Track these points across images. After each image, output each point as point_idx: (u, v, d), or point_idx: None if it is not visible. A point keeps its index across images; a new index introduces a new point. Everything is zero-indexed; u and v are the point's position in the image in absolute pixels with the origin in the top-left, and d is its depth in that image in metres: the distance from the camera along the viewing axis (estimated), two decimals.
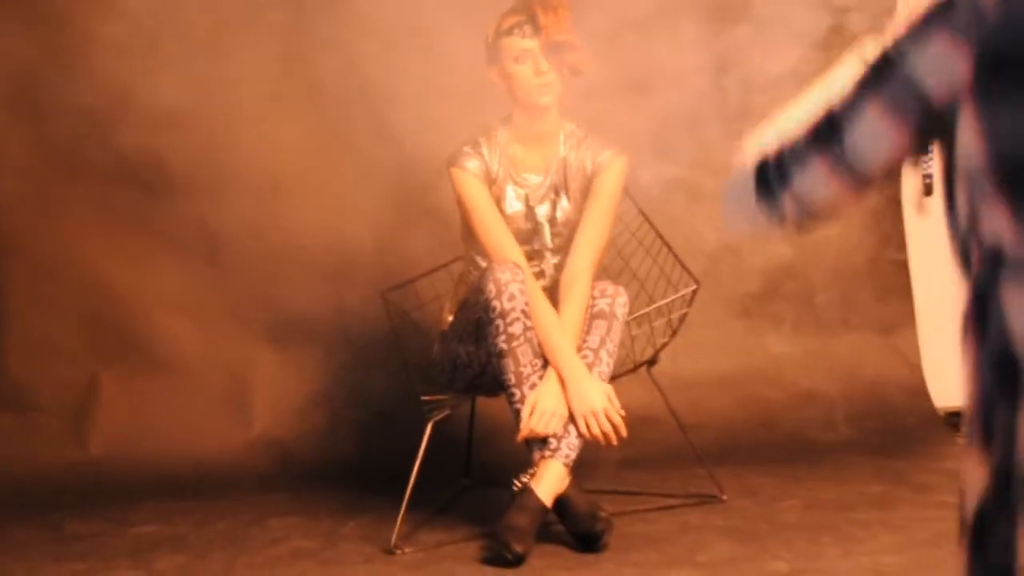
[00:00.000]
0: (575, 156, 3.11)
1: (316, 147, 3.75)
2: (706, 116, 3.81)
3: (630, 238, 3.41)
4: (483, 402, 3.29)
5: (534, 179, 3.10)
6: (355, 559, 2.91)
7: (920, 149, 1.21)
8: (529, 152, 3.11)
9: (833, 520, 3.06)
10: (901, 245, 3.94)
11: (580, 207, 3.10)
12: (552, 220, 3.11)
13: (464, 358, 3.04)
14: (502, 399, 3.00)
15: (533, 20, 3.01)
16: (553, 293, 3.07)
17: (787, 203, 1.28)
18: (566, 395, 2.92)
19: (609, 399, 2.94)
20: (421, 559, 2.89)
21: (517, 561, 2.80)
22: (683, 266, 3.26)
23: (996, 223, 1.12)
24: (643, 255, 3.38)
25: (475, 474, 3.50)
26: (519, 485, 2.92)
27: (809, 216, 1.29)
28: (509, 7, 3.09)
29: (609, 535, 2.91)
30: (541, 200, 3.11)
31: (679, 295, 3.23)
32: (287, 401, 3.76)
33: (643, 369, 3.24)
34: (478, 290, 2.95)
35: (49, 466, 3.57)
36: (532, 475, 2.91)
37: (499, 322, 2.89)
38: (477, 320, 2.96)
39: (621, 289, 3.06)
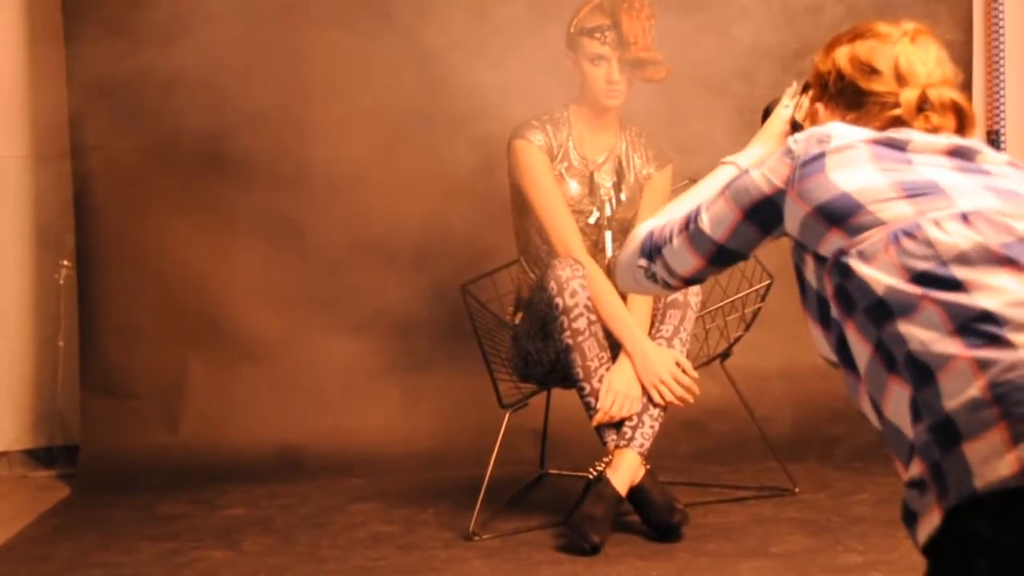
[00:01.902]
0: (633, 148, 3.20)
1: (398, 144, 3.80)
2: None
3: None
4: (558, 392, 3.32)
5: (598, 158, 3.18)
6: (434, 544, 2.98)
7: (749, 232, 1.75)
8: (594, 134, 3.19)
9: None
10: None
11: (634, 202, 3.17)
12: (615, 198, 3.17)
13: (535, 355, 3.08)
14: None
15: (617, 28, 3.06)
16: (613, 268, 3.09)
17: (659, 269, 1.84)
18: (636, 373, 2.97)
19: (676, 363, 2.99)
20: (499, 546, 2.95)
21: (593, 550, 2.84)
22: (757, 260, 3.27)
23: (835, 244, 1.59)
24: None
25: (550, 463, 3.55)
26: (594, 474, 2.96)
27: (674, 280, 1.85)
28: (595, 3, 3.11)
29: (685, 526, 2.94)
30: (604, 178, 3.17)
31: (753, 289, 3.24)
32: (367, 390, 3.81)
33: (716, 362, 3.26)
34: (540, 288, 2.99)
35: (142, 449, 3.65)
36: (607, 464, 2.95)
37: (563, 318, 2.94)
38: (543, 317, 3.00)
39: None
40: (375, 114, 3.77)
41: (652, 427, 2.99)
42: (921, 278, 1.49)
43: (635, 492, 2.95)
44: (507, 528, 3.06)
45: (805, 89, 1.95)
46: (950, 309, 1.45)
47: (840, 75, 1.80)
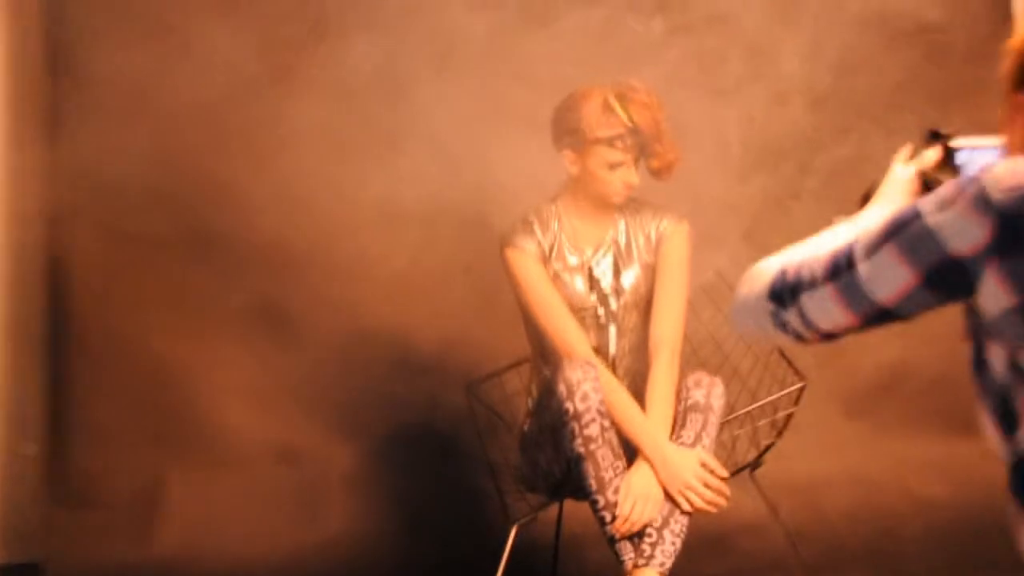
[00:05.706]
0: (634, 225, 3.12)
1: (395, 235, 3.81)
2: (797, 200, 3.84)
3: (730, 332, 3.28)
4: (571, 504, 3.17)
5: (594, 250, 3.10)
6: None
7: (927, 299, 1.42)
8: (587, 225, 3.11)
9: None
10: None
11: (648, 277, 3.09)
12: (618, 290, 3.08)
13: (544, 465, 2.97)
14: None
15: (636, 134, 2.98)
16: (617, 366, 3.04)
17: (792, 317, 1.51)
18: (657, 478, 2.84)
19: (702, 464, 2.87)
20: None
21: None
22: (788, 361, 3.16)
23: None
24: (744, 350, 3.27)
25: None
26: None
27: (810, 333, 1.52)
28: (599, 104, 3.03)
29: None
30: (604, 271, 3.09)
31: (785, 392, 3.11)
32: (364, 499, 3.76)
33: (746, 473, 3.12)
34: (549, 392, 2.89)
35: (112, 565, 3.56)
36: None
37: (574, 425, 2.81)
38: (552, 424, 2.89)
39: (717, 380, 2.97)
40: (371, 203, 3.77)
41: (674, 543, 2.83)
42: None
43: None
44: None
45: (933, 138, 1.68)
46: None
47: None
